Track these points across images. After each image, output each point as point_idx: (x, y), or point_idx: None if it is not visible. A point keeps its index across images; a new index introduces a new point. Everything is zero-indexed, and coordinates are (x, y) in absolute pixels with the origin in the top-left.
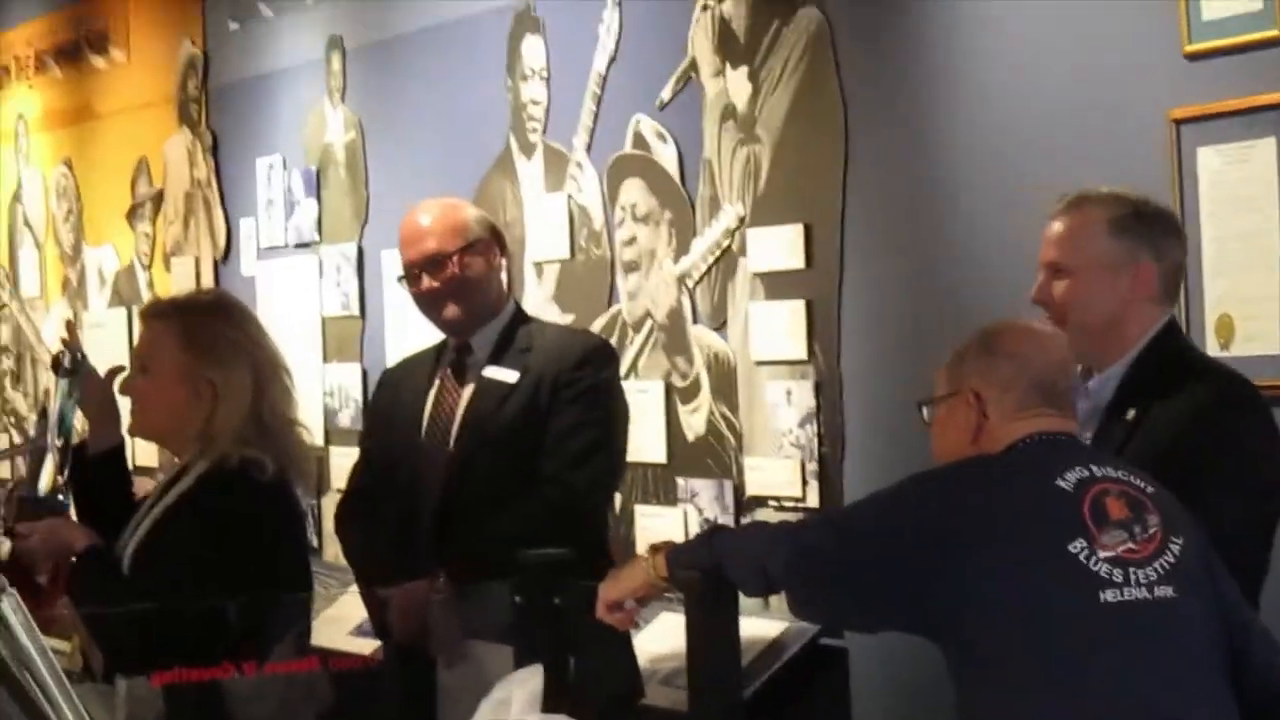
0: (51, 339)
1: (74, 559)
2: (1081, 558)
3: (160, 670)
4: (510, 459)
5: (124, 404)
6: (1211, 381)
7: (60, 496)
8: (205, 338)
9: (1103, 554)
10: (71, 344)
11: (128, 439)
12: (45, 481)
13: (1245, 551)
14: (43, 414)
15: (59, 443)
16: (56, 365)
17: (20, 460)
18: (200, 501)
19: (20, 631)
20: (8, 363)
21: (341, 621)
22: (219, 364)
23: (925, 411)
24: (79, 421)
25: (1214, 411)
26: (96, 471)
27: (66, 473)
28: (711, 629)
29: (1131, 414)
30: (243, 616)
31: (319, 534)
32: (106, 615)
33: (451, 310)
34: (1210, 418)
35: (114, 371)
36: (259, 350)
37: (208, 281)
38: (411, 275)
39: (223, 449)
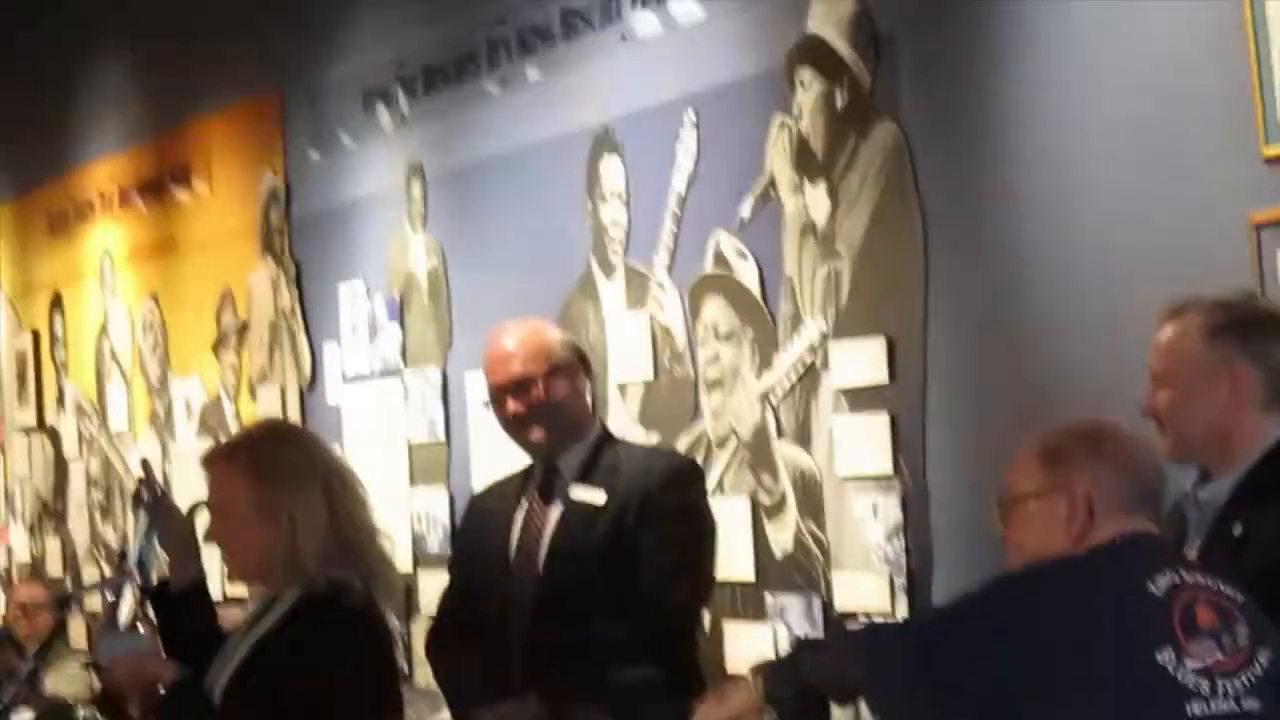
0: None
1: (163, 691)
2: (1169, 668)
3: None
4: (599, 581)
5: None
6: None
7: (140, 630)
8: (270, 468)
9: (1191, 664)
10: (149, 481)
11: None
12: (125, 616)
13: None
14: (122, 552)
15: (138, 579)
16: (136, 501)
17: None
18: (291, 633)
19: None
20: (97, 495)
21: None
22: (290, 490)
23: (1005, 509)
24: (160, 556)
25: None
26: (180, 608)
27: (147, 608)
28: None
29: (1239, 529)
30: None
31: (409, 659)
32: None
33: (538, 433)
34: None
35: (195, 508)
36: (324, 465)
37: (294, 409)
38: (498, 399)
39: (310, 573)
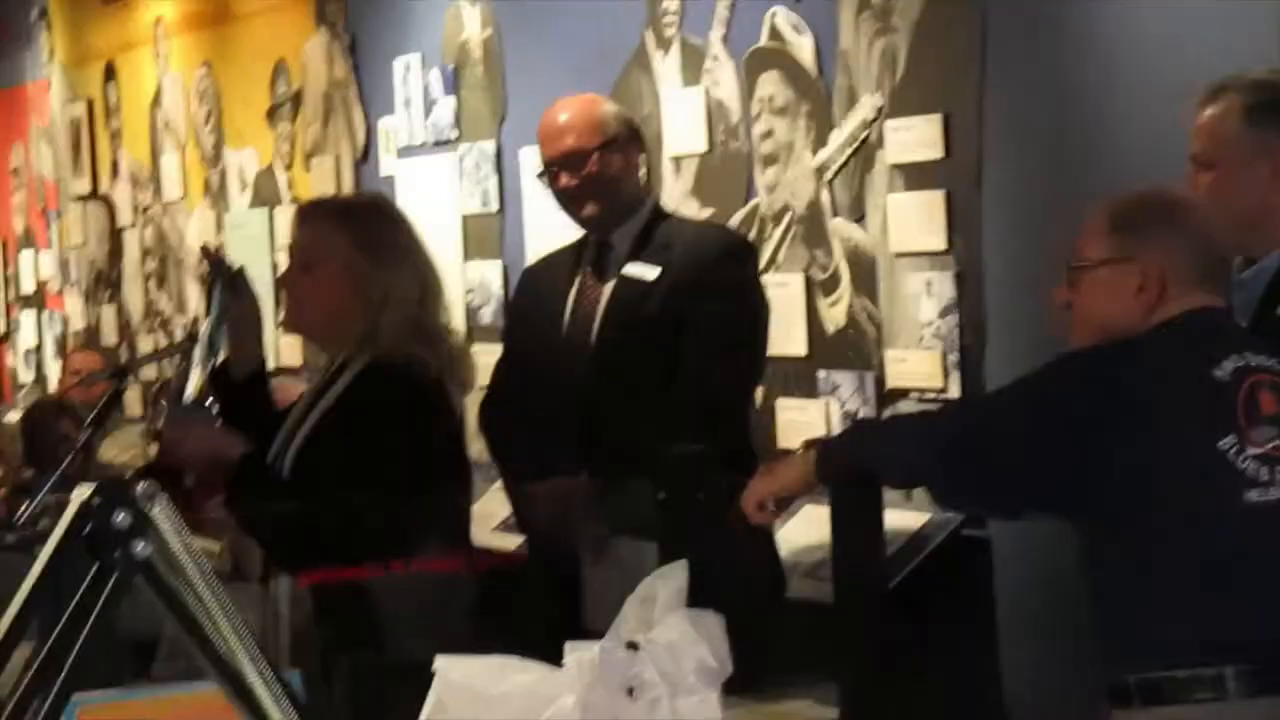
0: (195, 241)
1: (233, 465)
2: (1231, 454)
3: (309, 570)
4: (651, 356)
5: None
6: None
7: (206, 406)
8: (375, 240)
9: (1252, 450)
10: (219, 261)
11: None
12: (191, 391)
13: None
14: (192, 334)
15: (204, 360)
16: (212, 278)
17: (167, 363)
18: (363, 396)
19: (172, 537)
20: (151, 264)
21: (486, 518)
22: (389, 267)
23: (1074, 275)
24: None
25: None
26: (239, 391)
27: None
28: (856, 522)
29: None
30: (399, 514)
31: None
32: (258, 516)
33: (590, 208)
34: None
35: (242, 269)
36: (422, 257)
37: (347, 181)
38: (550, 173)
39: (384, 348)
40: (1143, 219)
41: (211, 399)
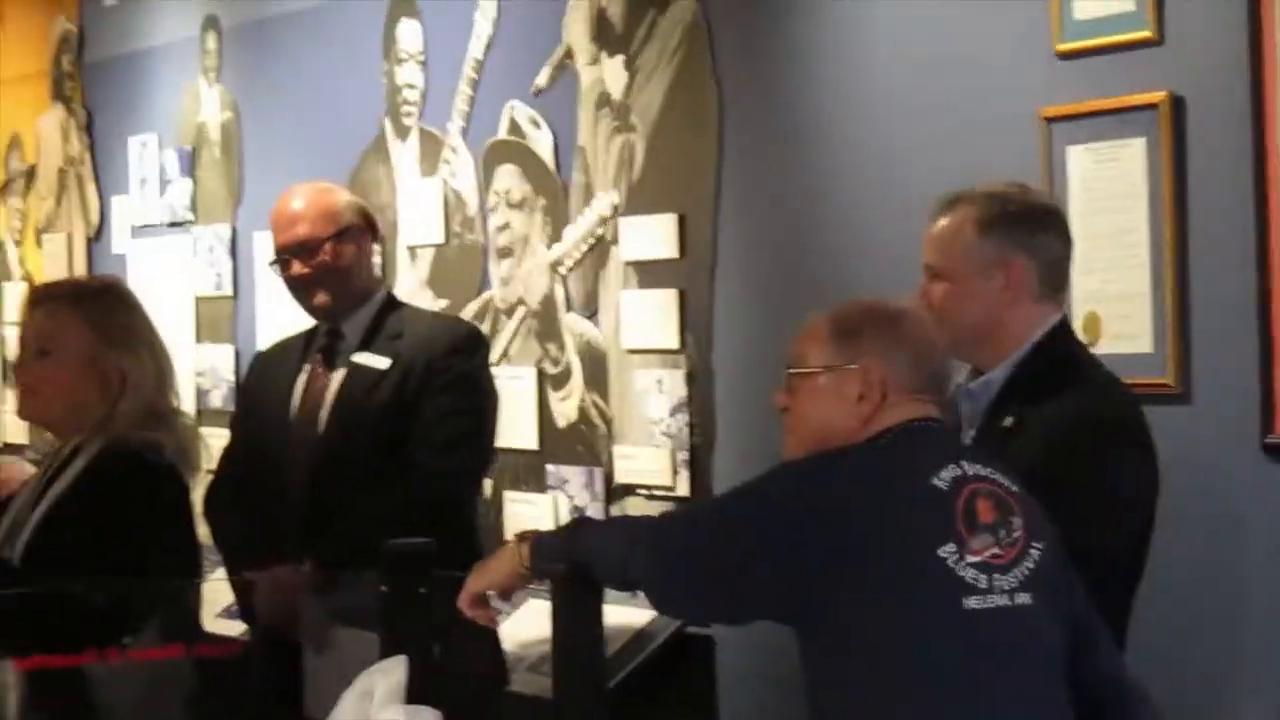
0: None
1: None
2: (950, 562)
3: (24, 656)
4: (379, 445)
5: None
6: (1085, 397)
7: None
8: (113, 325)
9: (970, 559)
10: None
11: None
12: None
13: (1097, 576)
14: None
15: None
16: None
17: None
18: (94, 485)
19: None
20: None
21: (209, 604)
22: (128, 352)
23: (792, 380)
24: None
25: (1078, 436)
26: None
27: None
28: (576, 620)
29: (1009, 420)
30: (124, 601)
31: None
32: None
33: (321, 297)
34: (1073, 444)
35: None
36: (157, 341)
37: (79, 259)
38: (282, 260)
39: (121, 430)
40: (865, 327)
41: None
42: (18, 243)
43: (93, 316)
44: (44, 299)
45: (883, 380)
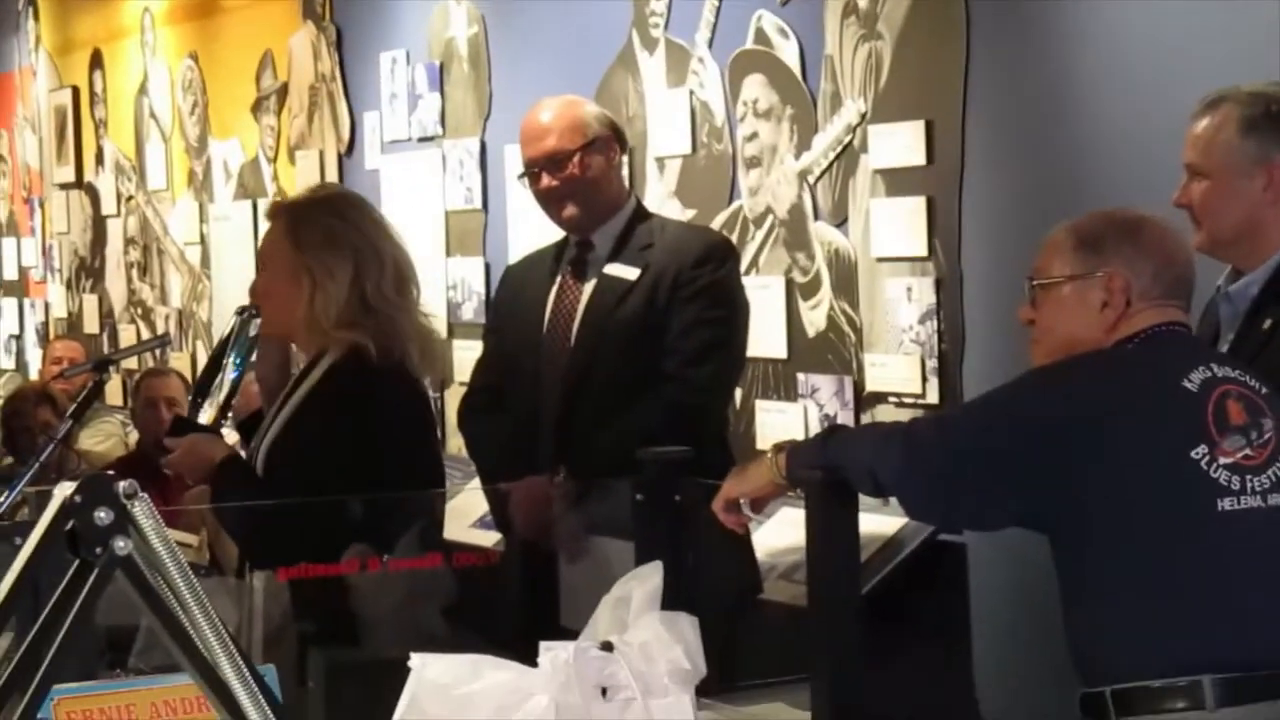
0: (178, 232)
1: (216, 468)
2: (1203, 464)
3: (287, 565)
4: (631, 356)
5: None
6: None
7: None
8: (308, 229)
9: (1223, 460)
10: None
11: None
12: (207, 416)
13: None
14: (217, 356)
15: (226, 390)
16: (246, 320)
17: (150, 356)
18: (327, 394)
19: (152, 534)
20: (134, 254)
21: (464, 515)
22: (317, 252)
23: (1036, 291)
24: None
25: None
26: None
27: (229, 419)
28: (831, 527)
29: (1268, 323)
30: (371, 512)
31: (443, 427)
32: (236, 511)
33: (571, 209)
34: None
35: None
36: (360, 236)
37: (331, 175)
38: (532, 173)
39: (336, 338)
40: (1106, 236)
41: (224, 424)
42: (271, 160)
43: (292, 225)
44: (268, 215)
45: (1126, 287)
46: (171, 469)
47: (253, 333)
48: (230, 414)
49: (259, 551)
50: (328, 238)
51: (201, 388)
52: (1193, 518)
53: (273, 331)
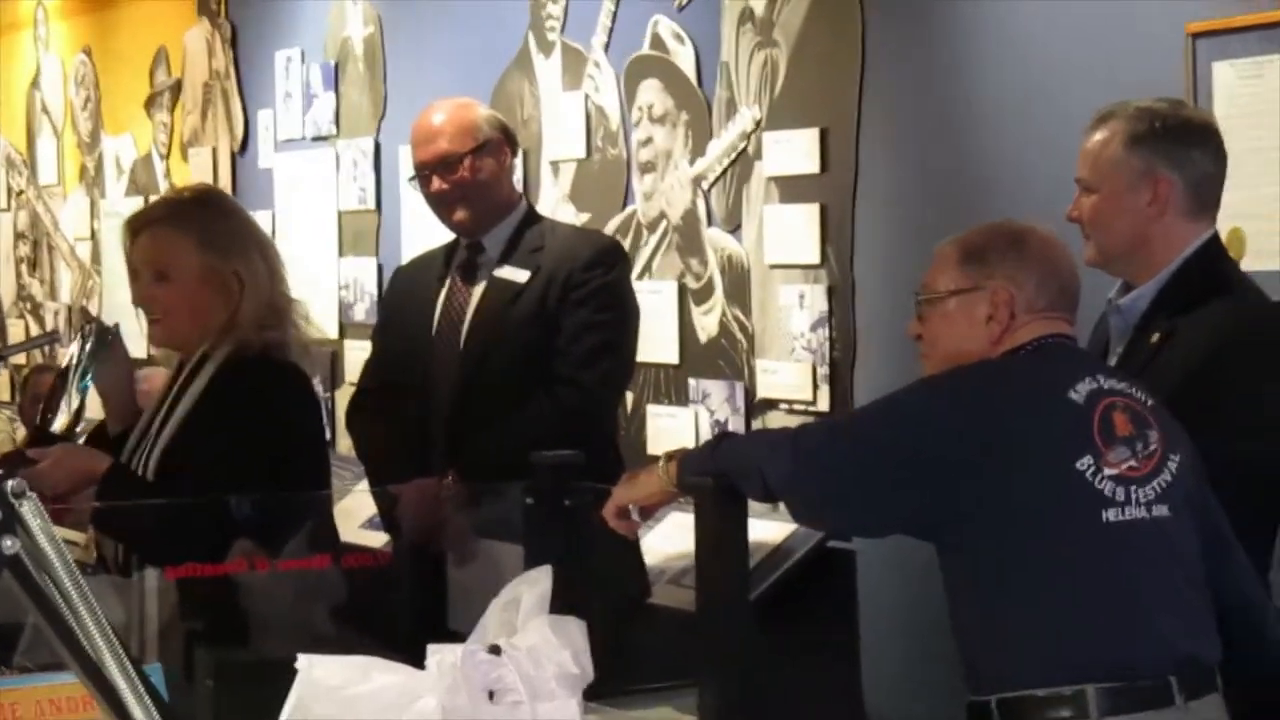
0: (69, 227)
1: (100, 478)
2: (1088, 475)
3: (175, 565)
4: (521, 358)
5: (127, 316)
6: (1233, 312)
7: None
8: (218, 232)
9: (1108, 471)
10: (99, 323)
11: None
12: (59, 426)
13: (1243, 493)
14: (63, 373)
15: (76, 402)
16: (84, 333)
17: (40, 352)
18: (228, 390)
19: (40, 534)
20: (24, 249)
21: (353, 515)
22: (239, 255)
23: (923, 306)
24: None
25: (1226, 350)
26: (119, 443)
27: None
28: (719, 533)
29: (1157, 335)
30: (261, 511)
31: (333, 426)
32: (123, 510)
33: (461, 212)
34: (1221, 358)
35: (116, 326)
36: (262, 237)
37: (225, 172)
38: (422, 176)
39: (247, 334)
40: (990, 249)
41: (80, 429)
42: (164, 156)
43: (198, 230)
44: (145, 224)
45: (1009, 300)
46: (39, 480)
47: (98, 364)
48: (80, 426)
49: (151, 552)
50: (236, 239)
51: (52, 402)
52: (1078, 528)
53: (176, 344)
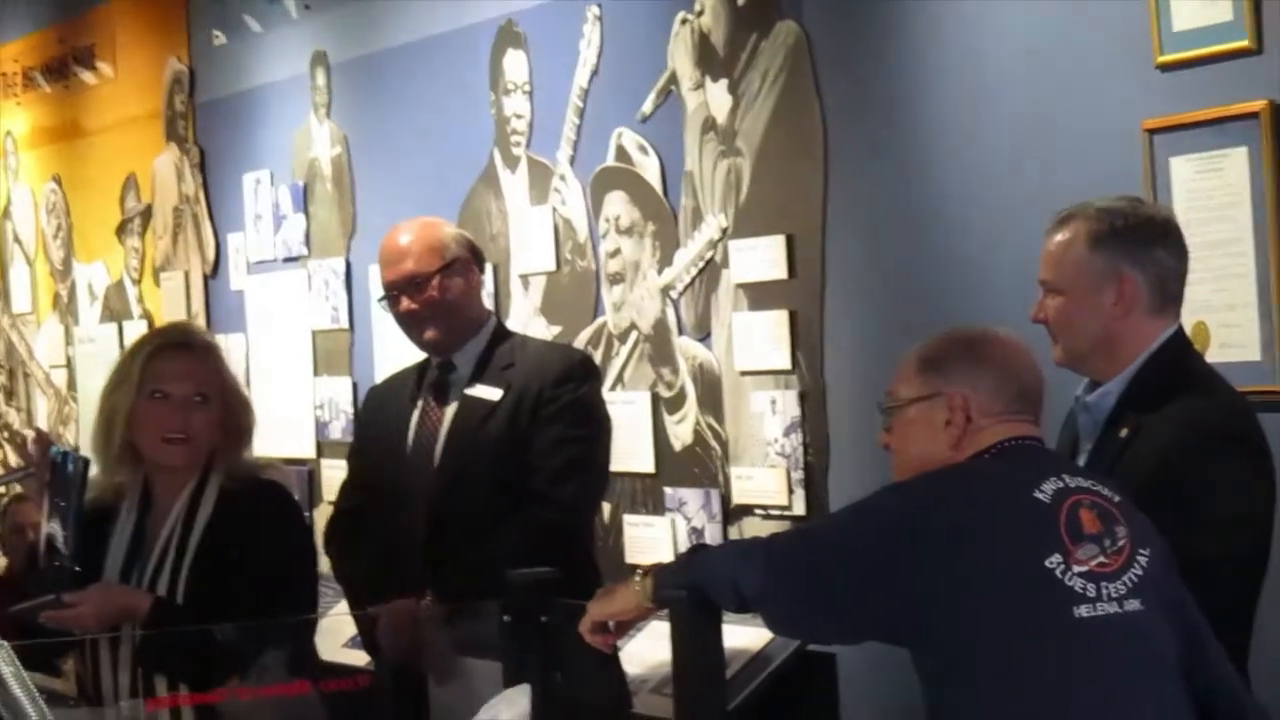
0: (44, 355)
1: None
2: (1058, 573)
3: (158, 693)
4: (495, 477)
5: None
6: (1200, 407)
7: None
8: (220, 364)
9: (1077, 569)
10: (46, 448)
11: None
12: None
13: (1213, 588)
14: (50, 542)
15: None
16: (60, 469)
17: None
18: (245, 509)
19: (12, 683)
20: (1, 378)
21: (333, 635)
22: (243, 397)
23: (888, 415)
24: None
25: (1193, 446)
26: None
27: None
28: (695, 646)
29: (1125, 432)
30: (250, 637)
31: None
32: (172, 639)
33: (431, 332)
34: (1188, 454)
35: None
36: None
37: (197, 296)
38: (391, 296)
39: (235, 460)
40: (946, 356)
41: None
42: (136, 281)
43: (222, 360)
44: (190, 347)
45: (965, 404)
46: (79, 622)
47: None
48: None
49: (204, 678)
50: (226, 369)
51: (49, 537)
52: (1050, 625)
53: (193, 465)
